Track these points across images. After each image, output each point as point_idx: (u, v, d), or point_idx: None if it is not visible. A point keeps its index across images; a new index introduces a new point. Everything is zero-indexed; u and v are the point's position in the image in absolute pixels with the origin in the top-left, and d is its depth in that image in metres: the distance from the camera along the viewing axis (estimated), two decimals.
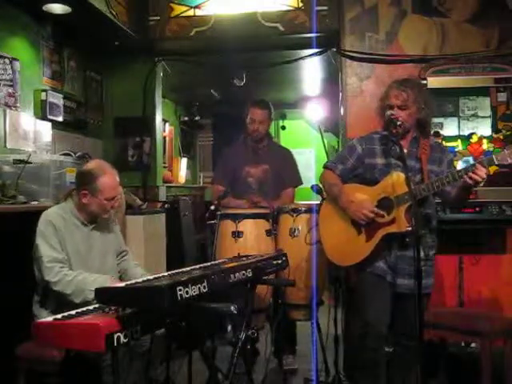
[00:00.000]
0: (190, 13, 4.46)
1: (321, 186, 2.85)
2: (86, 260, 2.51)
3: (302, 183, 3.73)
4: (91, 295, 2.14)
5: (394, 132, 2.51)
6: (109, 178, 2.50)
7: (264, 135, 3.64)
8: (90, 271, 2.46)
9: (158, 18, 4.49)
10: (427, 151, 2.56)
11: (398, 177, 2.49)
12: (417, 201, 2.35)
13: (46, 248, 2.36)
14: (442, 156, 2.64)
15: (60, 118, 4.11)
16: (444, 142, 3.71)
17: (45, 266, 2.34)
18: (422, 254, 2.23)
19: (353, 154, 2.69)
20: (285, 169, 3.66)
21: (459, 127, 3.73)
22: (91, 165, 2.56)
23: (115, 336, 1.67)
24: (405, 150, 2.57)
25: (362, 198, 2.57)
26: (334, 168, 2.73)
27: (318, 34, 4.27)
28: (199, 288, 1.87)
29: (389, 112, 2.52)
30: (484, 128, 3.74)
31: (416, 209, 2.26)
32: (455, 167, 2.67)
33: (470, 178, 2.31)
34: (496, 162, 2.32)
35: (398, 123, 2.47)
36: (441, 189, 2.42)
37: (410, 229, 2.35)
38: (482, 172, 2.29)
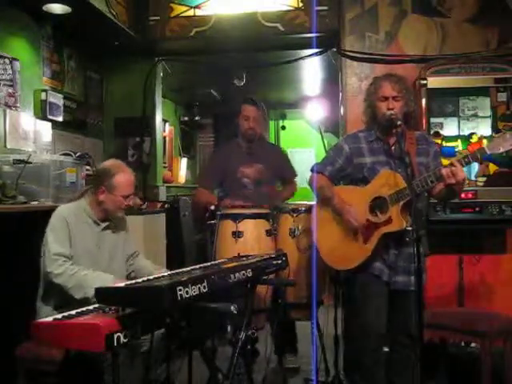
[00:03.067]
0: (190, 13, 4.46)
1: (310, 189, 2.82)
2: (95, 258, 2.54)
3: (297, 175, 3.84)
4: (91, 292, 2.15)
5: (393, 132, 2.50)
6: (125, 176, 2.56)
7: (259, 134, 3.64)
8: (98, 270, 2.48)
9: (158, 17, 4.49)
10: (414, 144, 2.54)
11: (389, 175, 2.49)
12: (415, 197, 2.34)
13: (54, 242, 2.40)
14: (428, 148, 2.63)
15: (60, 118, 4.11)
16: (444, 142, 3.71)
17: (49, 258, 2.37)
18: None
19: (341, 155, 2.69)
20: (281, 165, 3.75)
21: (459, 127, 3.72)
22: (108, 163, 2.63)
23: (115, 336, 1.67)
24: (392, 148, 2.59)
25: (355, 205, 2.55)
26: (323, 170, 2.71)
27: (318, 34, 4.27)
28: (199, 288, 1.87)
29: (389, 112, 2.51)
30: (484, 128, 3.74)
31: (412, 206, 2.26)
32: (441, 160, 2.66)
33: (448, 178, 2.29)
34: (488, 152, 2.29)
35: (398, 123, 2.45)
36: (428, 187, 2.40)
37: (410, 228, 2.36)
38: (455, 169, 2.27)
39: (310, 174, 2.80)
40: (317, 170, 2.75)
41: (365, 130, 2.72)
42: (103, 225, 2.60)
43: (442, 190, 2.48)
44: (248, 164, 3.57)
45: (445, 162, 2.59)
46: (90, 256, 2.51)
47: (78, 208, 2.55)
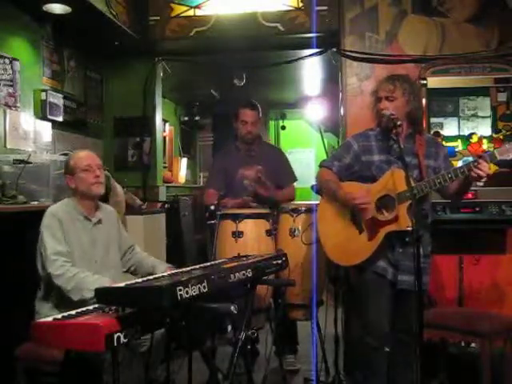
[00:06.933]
0: (190, 13, 4.46)
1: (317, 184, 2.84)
2: (89, 253, 2.54)
3: (297, 179, 3.78)
4: (89, 294, 2.16)
5: (393, 132, 2.51)
6: (78, 155, 2.61)
7: (257, 136, 3.65)
8: (93, 264, 2.50)
9: (158, 17, 4.48)
10: (423, 146, 2.57)
11: (397, 173, 2.49)
12: (417, 199, 2.35)
13: (50, 241, 2.40)
14: (438, 150, 2.66)
15: (60, 118, 4.11)
16: (444, 142, 3.70)
17: (49, 258, 2.36)
18: (421, 251, 2.23)
19: (349, 152, 2.69)
20: (280, 168, 3.70)
21: (459, 127, 3.72)
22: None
23: (115, 336, 1.67)
24: (394, 147, 2.60)
25: (359, 190, 2.56)
26: (331, 166, 2.71)
27: (318, 34, 4.27)
28: (199, 288, 1.87)
29: (388, 112, 2.52)
30: (484, 128, 3.74)
31: (415, 207, 2.27)
32: (450, 161, 2.71)
33: (474, 173, 2.35)
34: (498, 158, 2.34)
35: (398, 123, 2.47)
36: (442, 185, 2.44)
37: (409, 228, 2.35)
38: (485, 167, 2.32)
39: (312, 172, 2.82)
40: (324, 165, 2.76)
41: (375, 128, 2.72)
42: (94, 220, 2.60)
43: (455, 186, 2.55)
44: (248, 166, 3.58)
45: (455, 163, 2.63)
46: (84, 250, 2.52)
47: (68, 206, 2.57)
